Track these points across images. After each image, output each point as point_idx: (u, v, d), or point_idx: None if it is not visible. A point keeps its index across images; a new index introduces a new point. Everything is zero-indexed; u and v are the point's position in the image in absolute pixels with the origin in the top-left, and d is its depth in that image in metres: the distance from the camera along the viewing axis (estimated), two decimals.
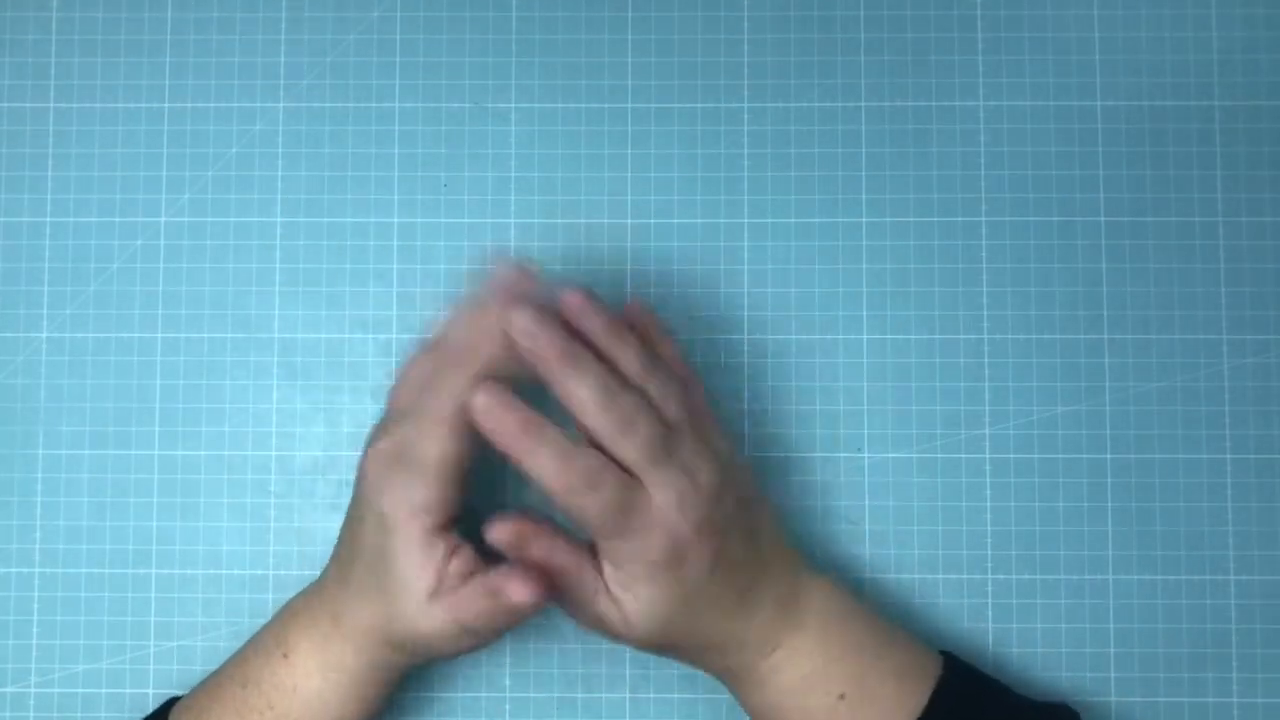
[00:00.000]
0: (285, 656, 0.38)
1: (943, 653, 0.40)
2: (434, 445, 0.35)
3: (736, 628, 0.38)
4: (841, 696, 0.37)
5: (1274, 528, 0.44)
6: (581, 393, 0.35)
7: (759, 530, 0.39)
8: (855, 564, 0.44)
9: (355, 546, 0.37)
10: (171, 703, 0.40)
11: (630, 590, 0.36)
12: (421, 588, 0.36)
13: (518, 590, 0.35)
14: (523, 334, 0.35)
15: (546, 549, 0.36)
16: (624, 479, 0.35)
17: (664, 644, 0.38)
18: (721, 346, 0.45)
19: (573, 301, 0.37)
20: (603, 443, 0.36)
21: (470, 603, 0.36)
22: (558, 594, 0.37)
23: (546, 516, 0.37)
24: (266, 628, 0.40)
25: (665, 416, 0.37)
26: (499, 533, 0.36)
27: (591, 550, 0.37)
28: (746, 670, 0.38)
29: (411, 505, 0.36)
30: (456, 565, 0.36)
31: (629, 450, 0.35)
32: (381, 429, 0.38)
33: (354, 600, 0.37)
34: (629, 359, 0.37)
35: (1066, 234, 0.45)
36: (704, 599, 0.37)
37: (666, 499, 0.36)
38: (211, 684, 0.40)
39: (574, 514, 0.36)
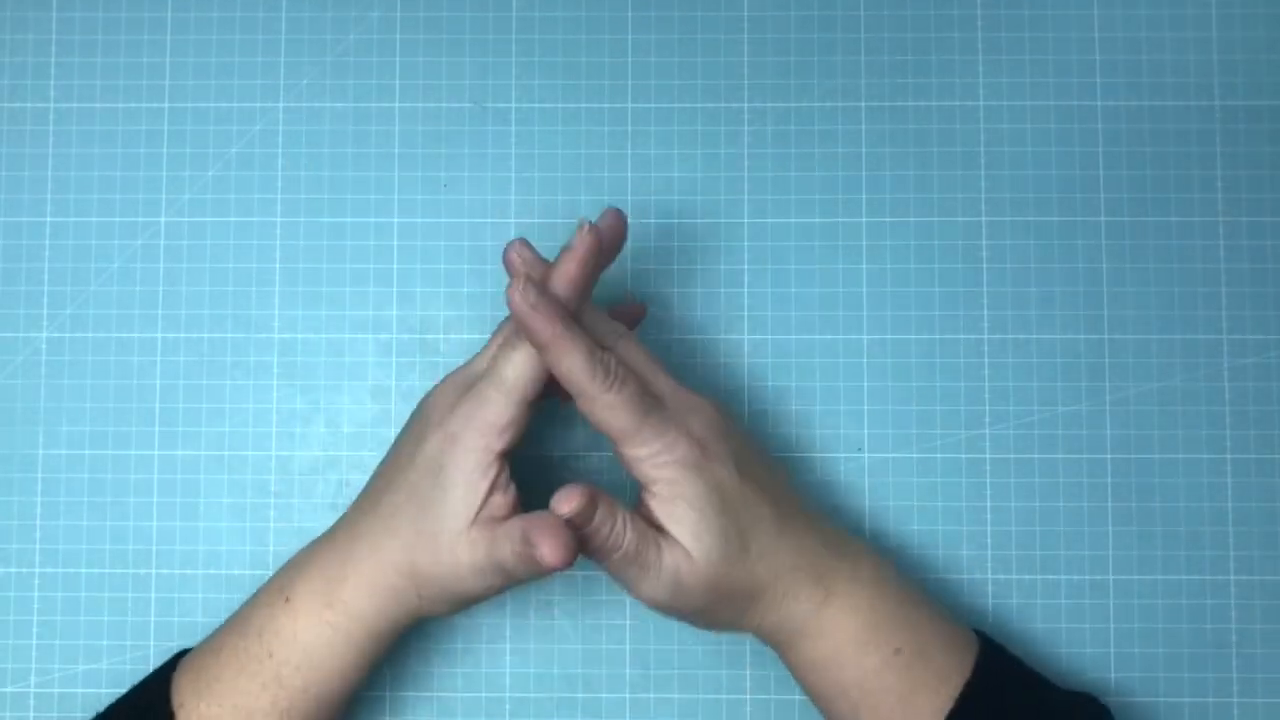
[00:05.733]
0: (287, 601, 0.38)
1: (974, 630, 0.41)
2: (512, 367, 0.37)
3: (786, 553, 0.38)
4: (897, 651, 0.38)
5: (1274, 528, 0.44)
6: (572, 362, 0.37)
7: (776, 471, 0.40)
8: None
9: (399, 472, 0.38)
10: (181, 655, 0.40)
11: (676, 512, 0.37)
12: (468, 511, 0.37)
13: (549, 550, 0.35)
14: (520, 310, 0.36)
15: (609, 524, 0.37)
16: (640, 380, 0.38)
17: (724, 582, 0.37)
18: (721, 346, 0.45)
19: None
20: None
21: (506, 541, 0.36)
22: (623, 571, 0.37)
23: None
24: (270, 580, 0.40)
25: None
26: (568, 504, 0.36)
27: (646, 521, 0.37)
28: (804, 621, 0.38)
29: (485, 422, 0.37)
30: (500, 499, 0.37)
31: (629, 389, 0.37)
32: (454, 373, 0.40)
33: (380, 534, 0.38)
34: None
35: (1066, 234, 0.45)
36: (742, 506, 0.37)
37: (675, 406, 0.38)
38: (215, 637, 0.40)
39: (600, 413, 0.37)
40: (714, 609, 0.38)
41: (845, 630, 0.38)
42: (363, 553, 0.38)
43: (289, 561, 0.40)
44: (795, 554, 0.38)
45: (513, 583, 0.38)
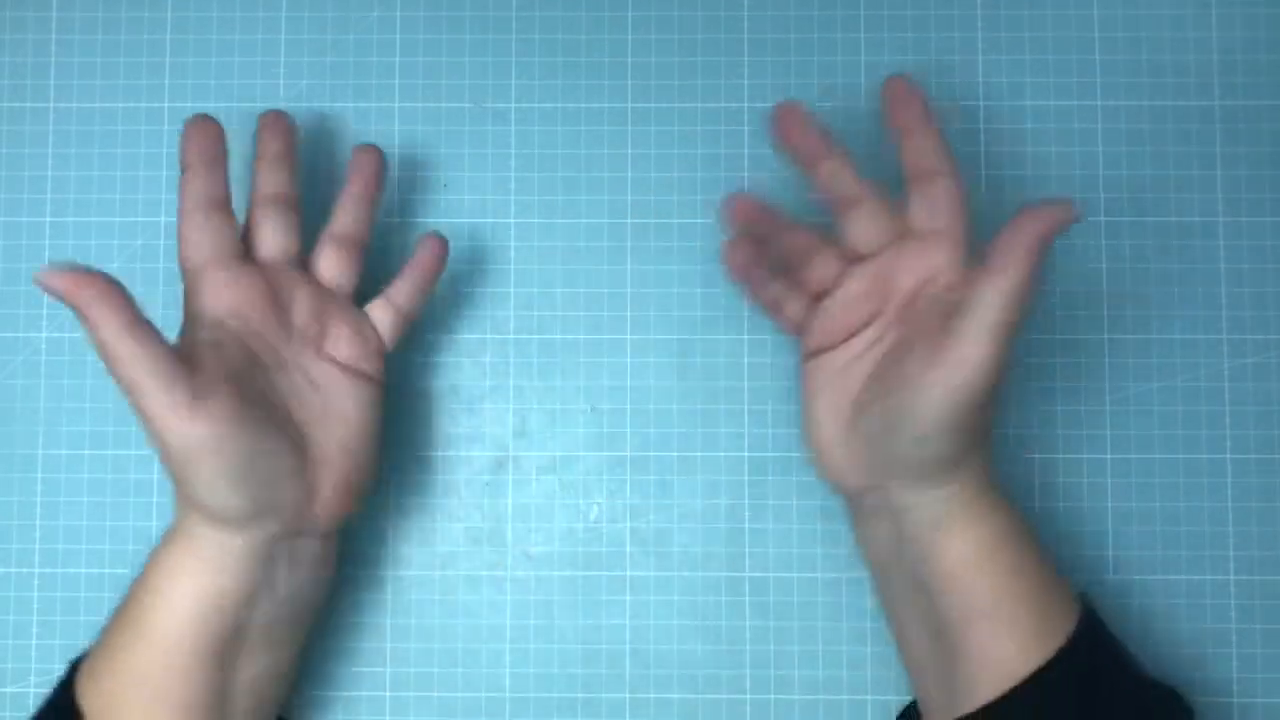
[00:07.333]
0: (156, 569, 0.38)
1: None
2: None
3: (982, 431, 0.37)
4: (1023, 572, 0.37)
5: (1274, 528, 0.44)
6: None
7: None
8: (855, 564, 0.44)
9: None
10: (76, 666, 0.38)
11: (978, 327, 0.34)
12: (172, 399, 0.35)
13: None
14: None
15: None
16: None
17: (980, 397, 0.35)
18: (722, 346, 0.45)
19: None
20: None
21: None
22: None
23: None
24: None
25: None
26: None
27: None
28: (968, 502, 0.37)
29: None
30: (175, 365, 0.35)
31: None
32: None
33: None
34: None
35: (1067, 234, 0.45)
36: (999, 378, 0.35)
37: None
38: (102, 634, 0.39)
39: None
40: (957, 433, 0.36)
41: (994, 526, 0.37)
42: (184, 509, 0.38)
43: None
44: (986, 433, 0.38)
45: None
